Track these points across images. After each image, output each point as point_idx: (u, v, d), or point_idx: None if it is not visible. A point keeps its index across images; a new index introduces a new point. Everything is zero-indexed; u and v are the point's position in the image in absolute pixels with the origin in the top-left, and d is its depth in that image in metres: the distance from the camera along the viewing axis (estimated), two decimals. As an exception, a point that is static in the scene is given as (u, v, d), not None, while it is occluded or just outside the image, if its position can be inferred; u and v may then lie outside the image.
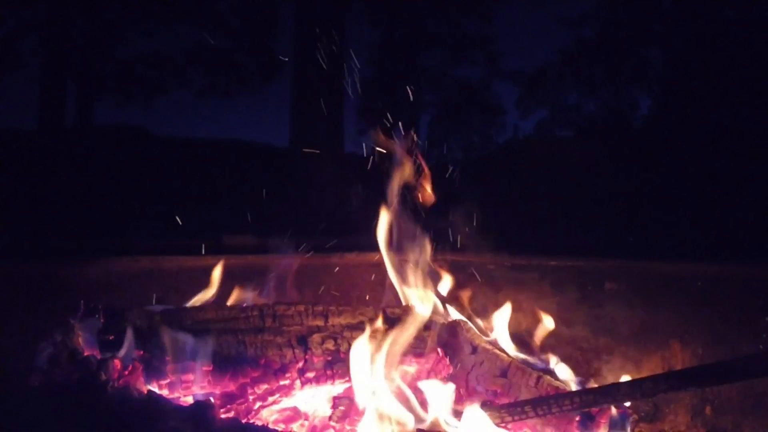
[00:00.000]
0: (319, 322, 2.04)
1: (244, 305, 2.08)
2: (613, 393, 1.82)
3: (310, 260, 2.90)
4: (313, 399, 2.06)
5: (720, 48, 11.19)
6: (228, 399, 1.86)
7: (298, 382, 1.95)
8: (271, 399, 1.92)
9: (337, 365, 1.97)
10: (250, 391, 1.88)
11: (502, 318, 2.44)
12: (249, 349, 1.93)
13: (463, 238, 2.84)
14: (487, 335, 2.34)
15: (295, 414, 1.98)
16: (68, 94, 12.21)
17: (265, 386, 1.90)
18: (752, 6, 11.40)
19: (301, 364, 1.94)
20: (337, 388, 2.02)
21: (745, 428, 2.23)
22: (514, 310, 2.81)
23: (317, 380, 1.96)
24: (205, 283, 2.33)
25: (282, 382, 1.92)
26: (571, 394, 1.85)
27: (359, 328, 2.04)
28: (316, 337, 1.98)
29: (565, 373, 2.23)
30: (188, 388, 1.85)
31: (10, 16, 11.87)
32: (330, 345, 1.98)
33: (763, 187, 5.87)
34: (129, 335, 1.86)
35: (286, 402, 1.99)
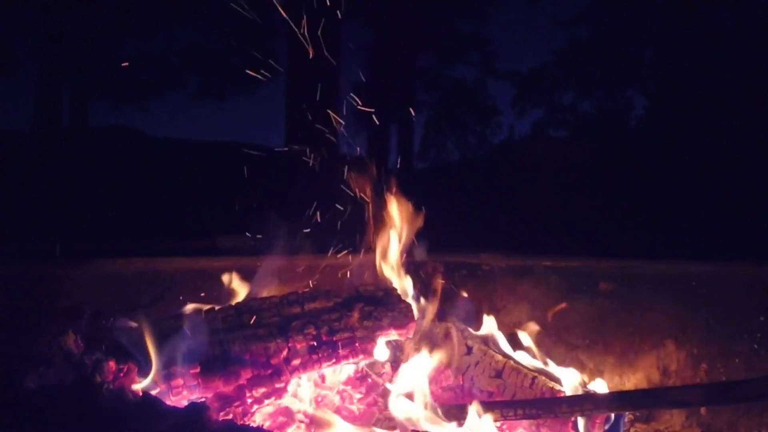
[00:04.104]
0: (296, 310, 2.05)
1: (218, 307, 2.07)
2: (554, 408, 1.87)
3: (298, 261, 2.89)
4: (302, 389, 2.09)
5: (715, 48, 11.22)
6: (222, 400, 1.85)
7: (287, 375, 1.95)
8: (260, 392, 1.92)
9: (321, 349, 1.97)
10: (242, 391, 1.88)
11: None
12: (233, 346, 1.92)
13: (458, 239, 2.84)
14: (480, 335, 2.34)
15: (289, 418, 1.98)
16: (63, 96, 12.19)
17: (259, 388, 1.90)
18: (747, 6, 11.45)
19: (285, 353, 1.94)
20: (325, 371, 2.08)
21: (740, 428, 2.24)
22: (512, 311, 2.82)
23: (304, 367, 1.96)
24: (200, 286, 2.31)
25: (272, 377, 1.92)
26: (515, 405, 1.89)
27: (335, 310, 2.07)
28: (296, 324, 1.99)
29: (561, 375, 2.23)
30: (179, 393, 1.84)
31: (5, 18, 11.87)
32: (311, 330, 1.99)
33: (758, 186, 5.89)
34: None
35: (279, 399, 1.99)
